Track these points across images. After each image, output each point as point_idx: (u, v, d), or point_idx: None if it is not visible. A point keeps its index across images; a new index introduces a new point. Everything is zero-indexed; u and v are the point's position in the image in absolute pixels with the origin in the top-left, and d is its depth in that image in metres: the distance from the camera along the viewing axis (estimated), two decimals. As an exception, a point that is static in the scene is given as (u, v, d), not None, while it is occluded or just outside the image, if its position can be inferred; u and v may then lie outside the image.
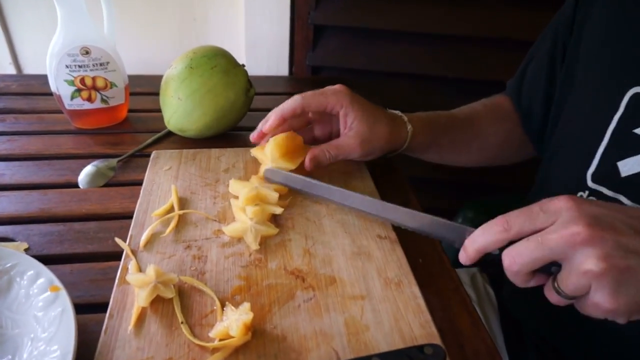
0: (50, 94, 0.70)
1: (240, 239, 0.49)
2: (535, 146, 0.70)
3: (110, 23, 0.68)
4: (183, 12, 1.02)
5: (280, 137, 0.56)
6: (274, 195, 0.52)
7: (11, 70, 1.12)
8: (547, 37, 0.65)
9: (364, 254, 0.49)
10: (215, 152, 0.64)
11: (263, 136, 0.59)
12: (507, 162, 0.76)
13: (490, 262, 0.40)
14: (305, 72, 1.06)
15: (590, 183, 0.53)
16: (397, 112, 0.62)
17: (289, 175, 0.55)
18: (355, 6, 0.97)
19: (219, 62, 0.65)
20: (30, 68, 1.12)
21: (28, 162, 0.63)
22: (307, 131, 0.64)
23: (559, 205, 0.36)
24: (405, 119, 0.61)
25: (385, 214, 0.51)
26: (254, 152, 0.59)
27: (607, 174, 0.51)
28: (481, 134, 0.69)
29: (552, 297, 0.38)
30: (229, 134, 0.71)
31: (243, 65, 0.69)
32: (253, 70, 1.06)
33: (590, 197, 0.52)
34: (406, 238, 0.51)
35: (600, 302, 0.34)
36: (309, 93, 0.57)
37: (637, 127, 0.49)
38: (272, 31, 1.02)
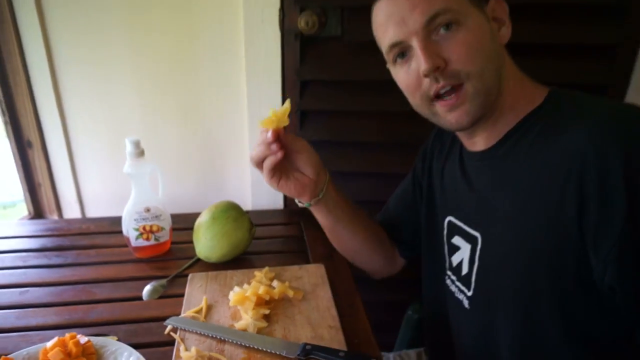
0: (114, 232, 1.07)
1: (245, 330, 0.82)
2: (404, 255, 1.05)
3: (163, 189, 1.06)
4: (206, 164, 1.43)
5: None
6: (253, 299, 0.85)
7: (76, 206, 1.50)
8: (408, 178, 1.03)
9: (319, 337, 0.80)
10: (229, 273, 0.98)
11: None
12: (378, 268, 1.06)
13: None
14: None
15: (448, 272, 0.88)
16: None
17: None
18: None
19: (231, 213, 1.02)
20: (90, 204, 1.50)
21: (109, 284, 0.98)
22: None
23: None
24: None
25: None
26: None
27: (450, 266, 0.88)
28: (368, 229, 0.98)
29: None
30: (239, 258, 1.06)
31: (247, 212, 1.06)
32: (257, 202, 1.43)
33: (449, 282, 0.87)
34: (348, 326, 0.83)
35: None
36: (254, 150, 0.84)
37: (452, 239, 0.85)
38: (270, 174, 1.40)
